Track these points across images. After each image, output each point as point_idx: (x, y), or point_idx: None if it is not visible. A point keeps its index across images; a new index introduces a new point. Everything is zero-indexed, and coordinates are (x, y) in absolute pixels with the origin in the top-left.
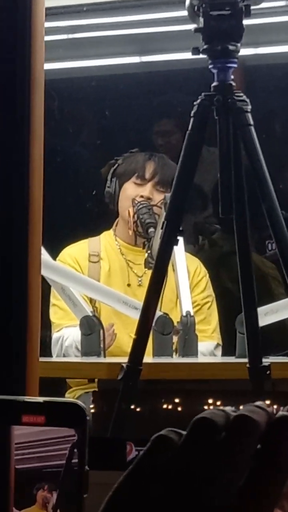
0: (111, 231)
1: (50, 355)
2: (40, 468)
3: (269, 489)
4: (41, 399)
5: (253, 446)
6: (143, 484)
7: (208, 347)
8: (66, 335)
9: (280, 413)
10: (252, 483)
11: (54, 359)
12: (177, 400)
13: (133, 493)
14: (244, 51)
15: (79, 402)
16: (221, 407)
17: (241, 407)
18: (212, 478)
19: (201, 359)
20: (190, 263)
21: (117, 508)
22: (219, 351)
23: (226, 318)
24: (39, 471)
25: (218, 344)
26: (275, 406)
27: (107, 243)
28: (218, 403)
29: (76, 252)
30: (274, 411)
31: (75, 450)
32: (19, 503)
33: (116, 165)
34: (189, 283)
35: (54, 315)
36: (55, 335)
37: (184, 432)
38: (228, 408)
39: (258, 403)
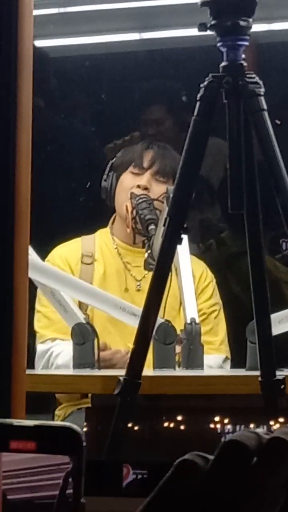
0: (107, 229)
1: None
2: (31, 499)
3: None
4: (31, 422)
5: (287, 471)
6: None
7: (216, 361)
8: (57, 350)
9: None
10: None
11: (43, 371)
12: (180, 418)
13: None
14: (256, 27)
15: (74, 426)
16: (253, 429)
17: (274, 430)
18: (242, 505)
19: (207, 372)
20: (196, 267)
21: None
22: (227, 365)
23: (234, 326)
24: (31, 503)
25: (226, 358)
26: None
27: (103, 242)
28: (226, 421)
29: (67, 253)
30: None
31: (70, 480)
32: None
33: (115, 158)
34: (194, 288)
35: (37, 323)
36: (40, 347)
37: (211, 457)
38: (260, 430)
39: None
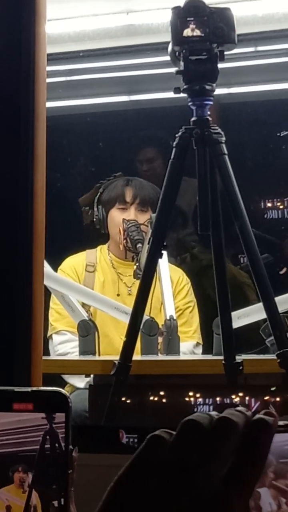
0: (105, 246)
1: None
2: (15, 453)
3: (248, 477)
4: (29, 388)
5: (233, 443)
6: (140, 477)
7: (188, 347)
8: (58, 347)
9: (257, 416)
10: (233, 473)
11: (55, 357)
12: (162, 393)
13: (132, 484)
14: (218, 91)
15: (63, 390)
16: (206, 412)
17: (225, 411)
18: (199, 469)
19: (182, 356)
20: (174, 273)
21: (119, 498)
22: (199, 349)
23: (207, 320)
24: (15, 455)
25: (198, 343)
26: (247, 398)
27: (102, 256)
28: (198, 395)
29: (75, 263)
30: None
31: (48, 437)
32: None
33: (98, 193)
34: (172, 290)
35: (51, 317)
36: (55, 337)
37: (174, 432)
38: (213, 412)
39: (239, 408)
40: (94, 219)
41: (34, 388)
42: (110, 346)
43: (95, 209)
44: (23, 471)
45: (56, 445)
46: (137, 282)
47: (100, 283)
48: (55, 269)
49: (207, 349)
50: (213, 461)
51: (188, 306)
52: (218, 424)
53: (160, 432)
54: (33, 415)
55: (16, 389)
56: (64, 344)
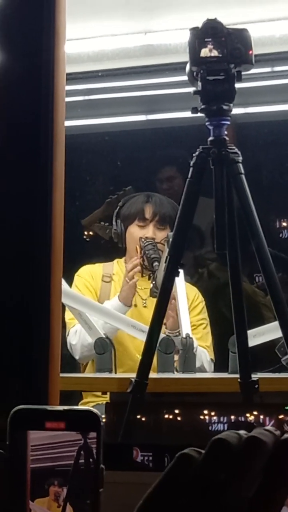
0: (122, 259)
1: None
2: (52, 467)
3: (275, 497)
4: (61, 407)
5: (261, 463)
6: (170, 495)
7: (206, 356)
8: (72, 337)
9: (286, 435)
10: (260, 493)
11: (72, 375)
12: (177, 411)
13: (161, 503)
14: (235, 110)
15: (94, 410)
16: (235, 431)
17: (254, 430)
18: (226, 488)
19: (198, 375)
20: (190, 290)
21: None
22: (212, 366)
23: (221, 339)
24: (51, 469)
25: (212, 359)
26: (261, 416)
27: (119, 268)
28: (213, 413)
29: (92, 270)
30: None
31: (82, 452)
32: (35, 496)
33: (118, 207)
34: (188, 306)
35: (66, 315)
36: (71, 330)
37: (203, 451)
38: (241, 432)
39: (268, 427)
40: (113, 233)
41: (66, 407)
42: (126, 355)
43: (114, 223)
44: (59, 485)
45: (90, 460)
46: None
47: (116, 294)
48: (70, 282)
49: (220, 367)
50: (241, 481)
51: (202, 323)
52: (247, 443)
53: (189, 451)
54: (65, 433)
55: (49, 408)
56: (76, 334)
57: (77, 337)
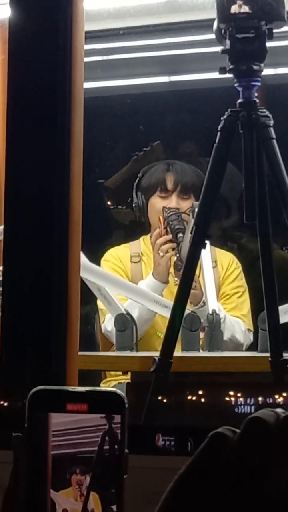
0: (148, 236)
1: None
2: (74, 454)
3: None
4: (83, 388)
5: None
6: (203, 477)
7: (241, 325)
8: (108, 323)
9: None
10: None
11: (92, 353)
12: (202, 392)
13: (194, 485)
14: (266, 71)
15: (118, 391)
16: (272, 409)
17: None
18: (266, 471)
19: (225, 353)
20: (224, 258)
21: (179, 499)
22: (250, 335)
23: (254, 316)
24: (73, 457)
25: (249, 330)
26: None
27: (145, 246)
28: (239, 394)
29: (119, 253)
30: None
31: (107, 438)
32: (57, 486)
33: (138, 178)
34: (221, 277)
35: (99, 304)
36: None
37: (238, 430)
38: (278, 410)
39: None
40: (133, 206)
41: (89, 388)
42: (151, 327)
43: (134, 195)
44: (81, 473)
45: (116, 446)
46: None
47: (148, 274)
48: (95, 262)
49: (252, 346)
50: (281, 463)
51: (237, 292)
52: (286, 422)
53: (223, 430)
54: (88, 416)
55: (70, 389)
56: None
57: (113, 323)
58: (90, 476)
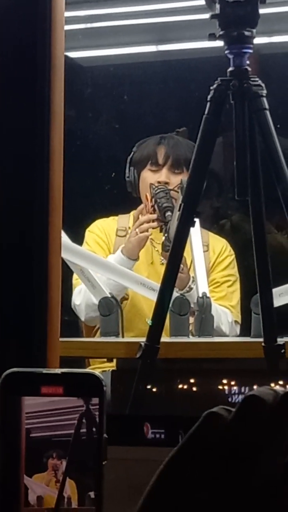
0: None
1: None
2: (50, 437)
3: None
4: (59, 370)
5: None
6: (195, 459)
7: (228, 316)
8: (76, 297)
9: None
10: None
11: (74, 339)
12: (192, 380)
13: (186, 467)
14: (259, 40)
15: (96, 373)
16: (270, 387)
17: None
18: (260, 452)
19: (216, 338)
20: (217, 243)
21: (170, 481)
22: (237, 328)
23: (247, 299)
24: (49, 440)
25: (236, 322)
26: None
27: (134, 221)
28: (233, 382)
29: (105, 225)
30: None
31: (84, 420)
32: (32, 470)
33: (132, 152)
34: (212, 262)
35: (74, 279)
36: (75, 290)
37: (233, 409)
38: (278, 388)
39: None
40: (126, 181)
41: (65, 370)
42: (138, 318)
43: (127, 170)
44: (58, 457)
45: (94, 429)
46: None
47: None
48: (78, 240)
49: (245, 331)
50: (277, 444)
51: (227, 280)
52: (284, 400)
53: (218, 409)
54: (64, 399)
55: (45, 370)
56: (80, 293)
57: (81, 296)
58: (66, 461)
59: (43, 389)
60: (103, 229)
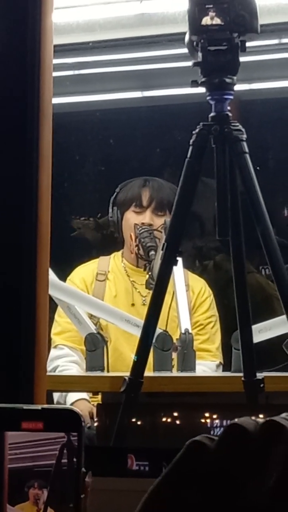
0: (119, 253)
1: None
2: (31, 467)
3: None
4: (39, 406)
5: (281, 450)
6: (179, 488)
7: (211, 366)
8: (49, 363)
9: None
10: (280, 485)
11: (60, 373)
12: (176, 413)
13: (169, 496)
14: (239, 87)
15: (75, 409)
16: (251, 417)
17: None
18: (246, 481)
19: (198, 373)
20: (196, 283)
21: (155, 508)
22: (220, 369)
23: (229, 337)
24: (31, 470)
25: (220, 363)
26: (268, 418)
27: (115, 263)
28: (215, 415)
29: (84, 272)
30: None
31: (65, 451)
32: (13, 500)
33: (115, 193)
34: (193, 303)
35: (53, 330)
36: (52, 352)
37: (216, 438)
38: (258, 419)
39: (285, 414)
40: (109, 221)
41: (45, 406)
42: (120, 362)
43: (110, 210)
44: (39, 487)
45: (74, 459)
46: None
47: (112, 293)
48: (63, 279)
49: (226, 366)
50: (261, 471)
51: (210, 321)
52: (265, 428)
53: (201, 438)
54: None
55: (25, 406)
56: (56, 361)
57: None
58: (47, 490)
59: (24, 424)
60: (82, 278)
